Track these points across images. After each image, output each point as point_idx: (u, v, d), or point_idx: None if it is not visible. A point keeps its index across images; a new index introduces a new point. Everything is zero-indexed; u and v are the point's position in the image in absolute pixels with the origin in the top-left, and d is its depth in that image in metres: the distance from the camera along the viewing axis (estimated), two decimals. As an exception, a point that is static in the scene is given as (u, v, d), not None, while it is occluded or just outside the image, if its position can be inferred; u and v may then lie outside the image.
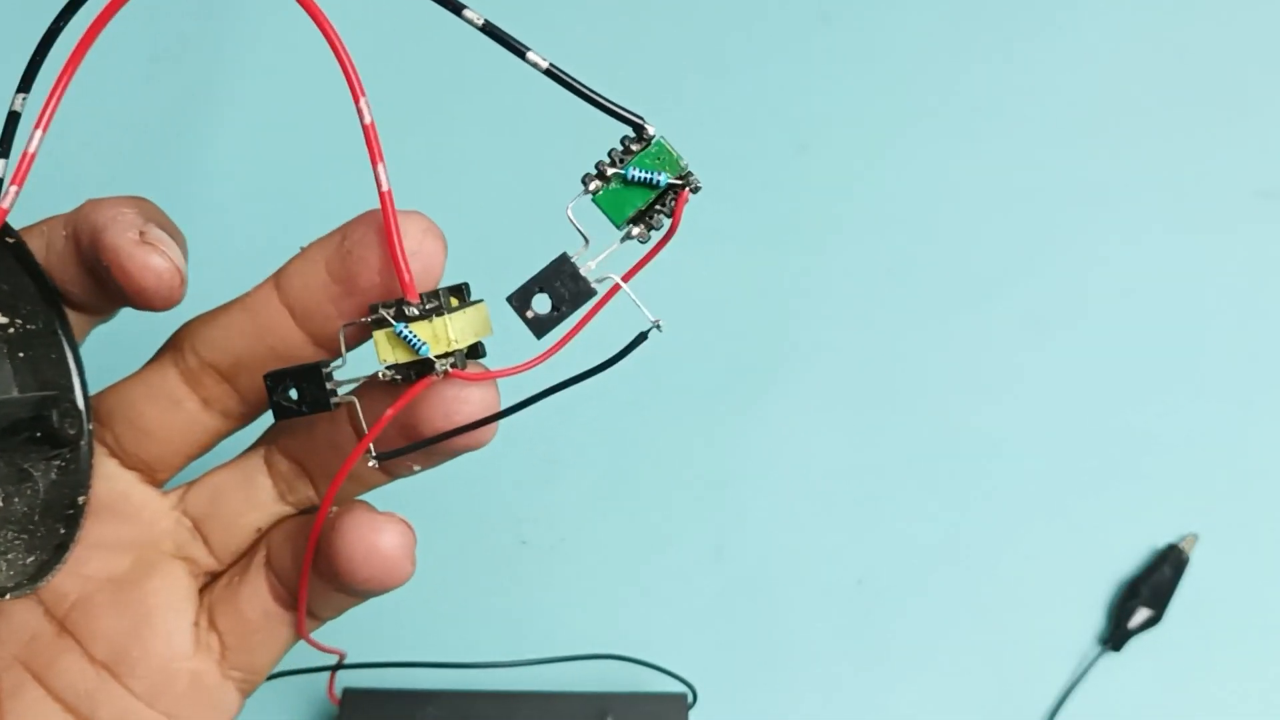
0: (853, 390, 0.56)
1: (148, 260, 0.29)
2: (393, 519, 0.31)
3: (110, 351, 0.35)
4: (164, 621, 0.33)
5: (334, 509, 0.31)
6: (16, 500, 0.31)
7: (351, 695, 0.48)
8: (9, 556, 0.30)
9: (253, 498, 0.34)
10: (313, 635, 0.35)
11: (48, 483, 0.32)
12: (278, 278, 0.31)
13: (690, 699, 0.49)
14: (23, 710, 0.33)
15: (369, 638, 0.45)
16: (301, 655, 0.36)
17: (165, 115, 0.60)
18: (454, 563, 0.51)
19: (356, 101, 0.27)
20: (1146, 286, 0.57)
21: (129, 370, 0.34)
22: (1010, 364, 0.57)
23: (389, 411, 0.28)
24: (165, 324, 0.33)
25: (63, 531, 0.31)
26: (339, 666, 0.43)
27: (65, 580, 0.32)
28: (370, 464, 0.29)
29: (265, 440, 0.34)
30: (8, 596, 0.29)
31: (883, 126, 0.59)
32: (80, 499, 0.32)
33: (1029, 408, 0.56)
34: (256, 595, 0.33)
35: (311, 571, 0.32)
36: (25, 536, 0.31)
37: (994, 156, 0.59)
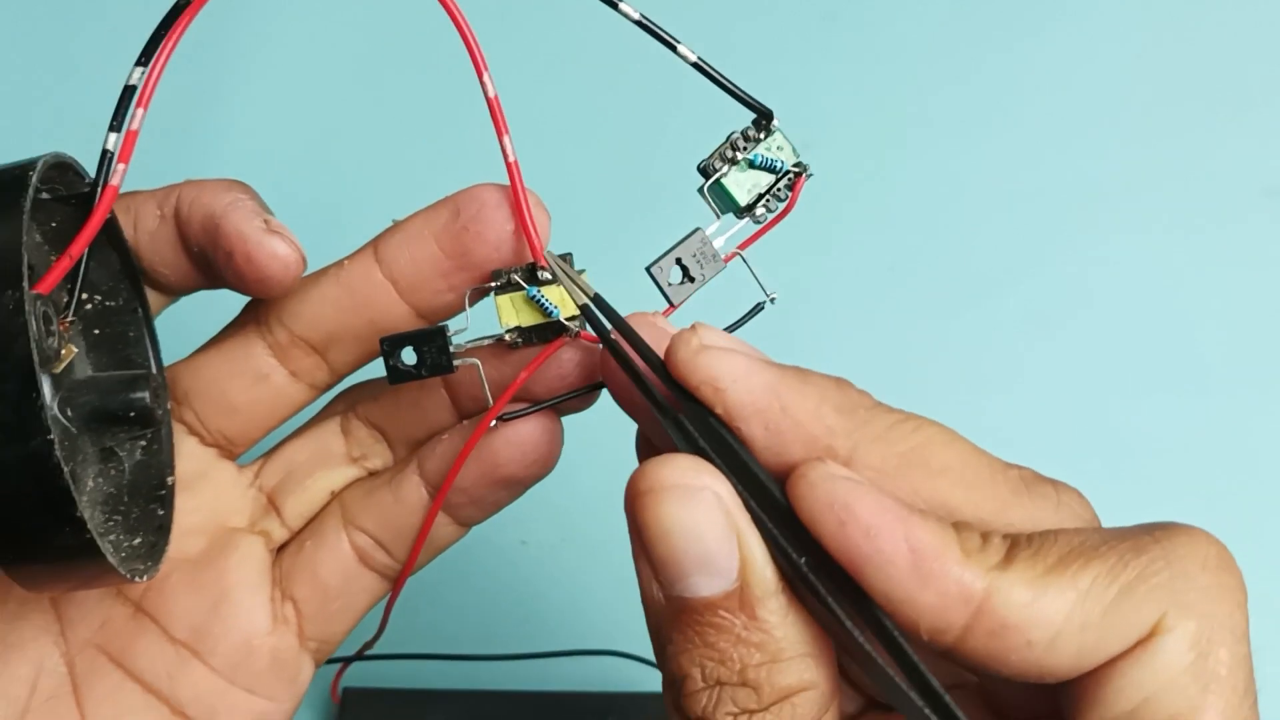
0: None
1: (275, 249, 0.32)
2: (540, 415, 0.34)
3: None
4: (242, 599, 0.35)
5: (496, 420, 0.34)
6: (102, 480, 0.33)
7: (352, 694, 0.51)
8: (111, 538, 0.32)
9: (327, 461, 0.37)
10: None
11: (133, 463, 0.33)
12: (378, 252, 0.34)
13: (686, 694, 0.53)
14: (102, 694, 0.35)
15: (371, 635, 0.46)
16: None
17: (176, 111, 0.61)
18: (455, 563, 0.53)
19: (480, 76, 0.32)
20: (1150, 284, 0.62)
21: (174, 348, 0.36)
22: (1012, 361, 0.61)
23: (523, 373, 0.33)
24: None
25: (160, 513, 0.33)
26: (358, 657, 0.46)
27: None
28: (493, 425, 0.33)
29: (341, 407, 0.37)
30: (144, 578, 0.31)
31: (886, 124, 0.64)
32: (169, 479, 0.34)
33: (1030, 405, 0.60)
34: (336, 558, 0.36)
35: (469, 472, 0.34)
36: (119, 518, 0.33)
37: (998, 154, 0.63)
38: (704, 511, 0.26)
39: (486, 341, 0.33)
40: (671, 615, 0.27)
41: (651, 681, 0.53)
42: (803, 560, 0.26)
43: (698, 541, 0.26)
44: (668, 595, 0.27)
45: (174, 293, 0.35)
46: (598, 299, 0.30)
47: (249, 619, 0.35)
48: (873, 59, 0.65)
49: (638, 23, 0.32)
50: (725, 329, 0.33)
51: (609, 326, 0.30)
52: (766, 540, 0.27)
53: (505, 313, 0.32)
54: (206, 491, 0.36)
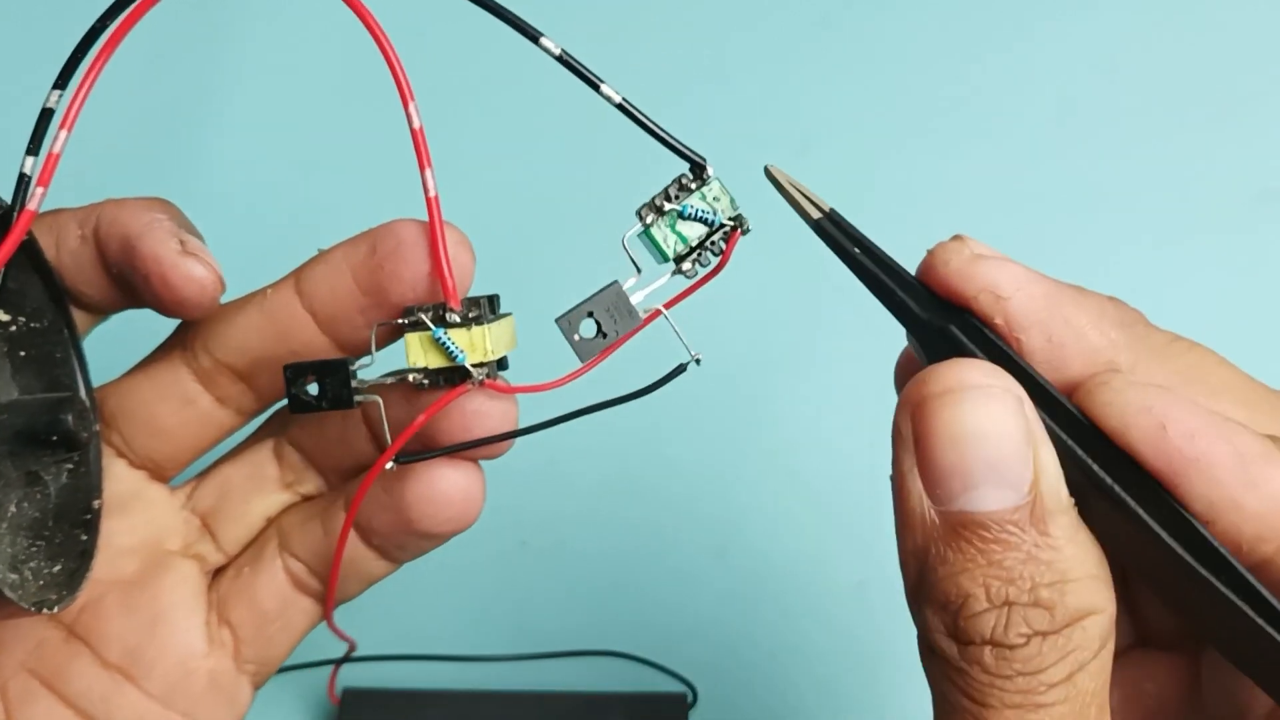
0: (855, 392, 0.58)
1: (191, 271, 0.31)
2: (459, 461, 0.33)
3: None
4: (177, 621, 0.35)
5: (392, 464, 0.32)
6: (26, 505, 0.33)
7: (351, 695, 0.51)
8: (31, 565, 0.32)
9: (262, 487, 0.36)
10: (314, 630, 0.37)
11: (59, 486, 0.33)
12: (299, 283, 0.33)
13: (690, 699, 0.52)
14: (35, 718, 0.35)
15: (370, 636, 0.46)
16: (305, 650, 0.39)
17: (164, 113, 0.63)
18: (454, 564, 0.53)
19: (406, 106, 0.30)
20: (1147, 290, 0.59)
21: (113, 365, 0.36)
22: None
23: (421, 418, 0.31)
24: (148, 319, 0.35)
25: (84, 538, 0.33)
26: (345, 659, 0.46)
27: None
28: (389, 467, 0.32)
29: (273, 431, 0.36)
30: (56, 609, 0.30)
31: (883, 128, 0.63)
32: (95, 503, 0.33)
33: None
34: (273, 584, 0.36)
35: (386, 520, 0.34)
36: (41, 543, 0.32)
37: (993, 159, 0.62)
38: (1005, 415, 0.25)
39: (390, 380, 0.32)
40: (948, 532, 0.26)
41: (650, 682, 0.53)
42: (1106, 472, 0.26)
43: (995, 448, 0.25)
44: (945, 510, 0.26)
45: (101, 312, 0.35)
46: (833, 214, 0.29)
47: (184, 641, 0.35)
48: (869, 64, 0.64)
49: (559, 59, 0.29)
50: (646, 388, 0.31)
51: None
52: (1061, 452, 0.26)
53: (413, 352, 0.31)
54: (139, 513, 0.36)
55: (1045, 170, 0.61)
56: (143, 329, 0.35)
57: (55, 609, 0.30)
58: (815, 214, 0.29)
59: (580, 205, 0.60)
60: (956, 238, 0.29)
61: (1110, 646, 0.26)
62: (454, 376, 0.31)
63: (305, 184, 0.62)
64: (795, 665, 0.55)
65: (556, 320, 0.31)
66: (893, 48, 0.64)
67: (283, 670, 0.46)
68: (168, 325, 0.35)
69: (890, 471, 0.27)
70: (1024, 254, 0.60)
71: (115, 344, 0.36)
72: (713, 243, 0.31)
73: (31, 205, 0.30)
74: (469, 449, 0.32)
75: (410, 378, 0.31)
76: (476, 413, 0.32)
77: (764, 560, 0.57)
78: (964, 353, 0.27)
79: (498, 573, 0.55)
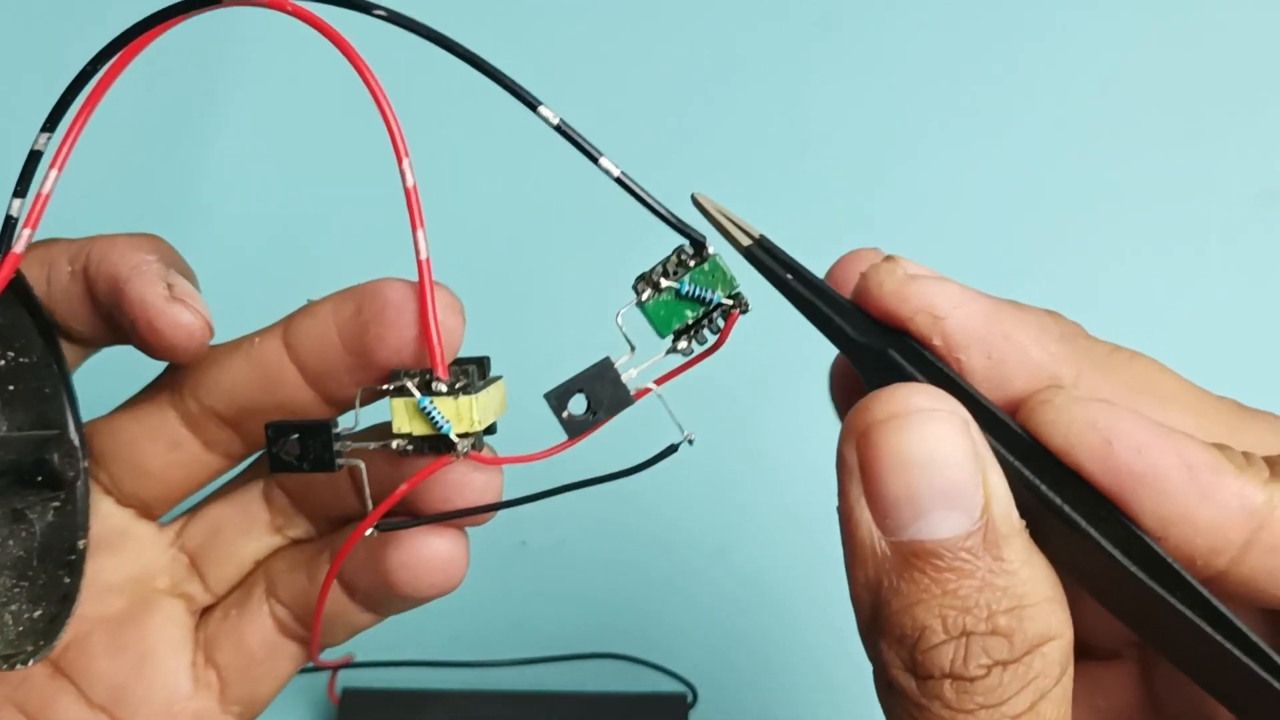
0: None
1: (179, 318, 0.30)
2: (442, 529, 0.32)
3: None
4: (163, 662, 0.35)
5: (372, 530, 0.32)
6: (11, 543, 0.32)
7: (351, 695, 0.51)
8: (12, 609, 0.31)
9: (250, 530, 0.35)
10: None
11: (44, 525, 0.33)
12: (286, 335, 0.32)
13: (690, 699, 0.52)
14: None
15: (370, 638, 0.46)
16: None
17: (161, 129, 0.62)
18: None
19: (400, 163, 0.28)
20: (1150, 290, 0.59)
21: (106, 395, 0.35)
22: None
23: (402, 487, 0.30)
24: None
25: (67, 580, 0.32)
26: (343, 666, 0.45)
27: None
28: (369, 533, 0.31)
29: (263, 472, 0.36)
30: (30, 662, 0.30)
31: (883, 130, 0.62)
32: (80, 543, 0.33)
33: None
34: (259, 627, 0.35)
35: (368, 579, 0.33)
36: (25, 584, 0.32)
37: (995, 162, 0.61)
38: (952, 439, 0.25)
39: (373, 445, 0.31)
40: (900, 563, 0.25)
41: (650, 682, 0.53)
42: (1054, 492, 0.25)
43: (943, 473, 0.24)
44: (896, 541, 0.25)
45: (88, 345, 0.34)
46: (763, 240, 0.28)
47: (170, 682, 0.35)
48: (869, 66, 0.63)
49: (557, 128, 0.27)
50: (636, 466, 0.30)
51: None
52: (1008, 474, 0.25)
53: (398, 417, 0.30)
54: (127, 551, 0.35)
55: (1047, 174, 0.61)
56: (135, 361, 0.34)
57: (29, 663, 0.30)
58: (745, 240, 0.28)
59: (578, 248, 0.60)
60: (889, 258, 0.27)
61: (1070, 671, 0.25)
62: (439, 445, 0.30)
63: (299, 216, 0.61)
64: (794, 665, 0.55)
65: (545, 395, 0.29)
66: (894, 51, 0.63)
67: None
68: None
69: (837, 503, 0.26)
70: (1027, 258, 0.61)
71: (107, 375, 0.36)
72: (710, 320, 0.29)
73: (18, 248, 0.29)
74: (450, 519, 0.31)
75: (394, 444, 0.30)
76: (459, 483, 0.31)
77: (763, 561, 0.56)
78: (904, 376, 0.26)
79: (498, 573, 0.55)
